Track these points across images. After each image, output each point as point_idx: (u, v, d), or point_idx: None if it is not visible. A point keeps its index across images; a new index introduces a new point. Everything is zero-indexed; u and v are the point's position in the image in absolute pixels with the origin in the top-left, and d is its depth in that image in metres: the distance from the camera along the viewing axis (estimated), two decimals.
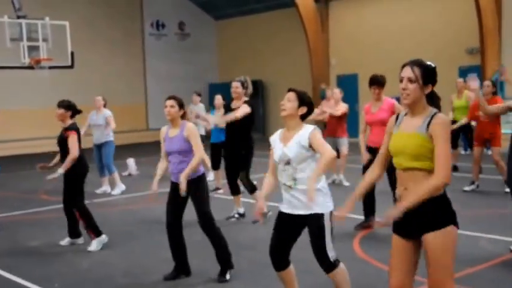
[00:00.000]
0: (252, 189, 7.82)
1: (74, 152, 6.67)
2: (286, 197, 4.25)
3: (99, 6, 22.02)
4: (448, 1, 17.85)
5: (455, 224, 3.37)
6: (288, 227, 4.28)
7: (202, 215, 5.43)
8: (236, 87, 7.67)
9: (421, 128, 3.35)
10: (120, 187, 10.73)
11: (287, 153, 4.15)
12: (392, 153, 3.50)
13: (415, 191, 3.30)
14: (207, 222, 5.44)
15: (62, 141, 6.79)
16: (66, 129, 6.79)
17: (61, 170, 6.64)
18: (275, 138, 4.34)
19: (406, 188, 3.41)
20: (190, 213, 5.67)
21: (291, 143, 4.16)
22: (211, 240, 5.50)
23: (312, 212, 4.13)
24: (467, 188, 9.55)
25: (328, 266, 4.18)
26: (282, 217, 4.30)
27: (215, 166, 9.93)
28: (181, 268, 5.60)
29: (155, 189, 5.60)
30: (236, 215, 8.09)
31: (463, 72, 16.87)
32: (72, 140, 6.70)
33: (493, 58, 16.49)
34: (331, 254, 4.17)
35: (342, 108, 10.64)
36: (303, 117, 4.26)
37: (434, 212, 3.33)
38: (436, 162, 3.28)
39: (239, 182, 7.95)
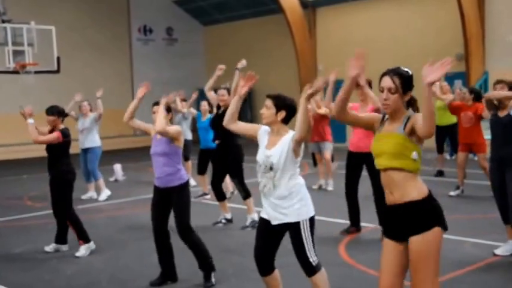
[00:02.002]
0: (246, 195, 7.80)
1: (40, 138, 6.73)
2: (265, 204, 4.28)
3: (85, 11, 21.92)
4: (433, 9, 18.00)
5: (442, 225, 3.38)
6: (269, 233, 4.30)
7: (180, 224, 5.38)
8: (222, 94, 7.70)
9: (399, 129, 3.40)
10: (106, 193, 10.67)
11: (270, 157, 4.18)
12: (374, 155, 3.54)
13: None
14: (185, 232, 5.40)
15: (50, 147, 6.75)
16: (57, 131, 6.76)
17: (31, 121, 6.75)
18: (264, 132, 4.35)
19: (391, 192, 3.44)
20: None
21: (276, 148, 4.19)
22: (191, 249, 5.47)
23: (289, 220, 4.17)
24: (452, 193, 9.61)
25: (310, 270, 4.21)
26: (263, 223, 4.32)
27: (201, 171, 9.92)
28: (168, 273, 5.58)
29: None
30: (223, 221, 8.08)
31: (449, 78, 17.02)
32: (51, 136, 6.70)
33: (477, 64, 16.69)
34: (313, 259, 4.20)
35: (324, 110, 10.67)
36: (286, 121, 4.28)
37: (418, 215, 3.36)
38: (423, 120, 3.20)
39: (228, 188, 7.94)
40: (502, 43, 16.36)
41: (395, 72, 3.41)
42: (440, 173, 11.61)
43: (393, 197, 3.43)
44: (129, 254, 6.80)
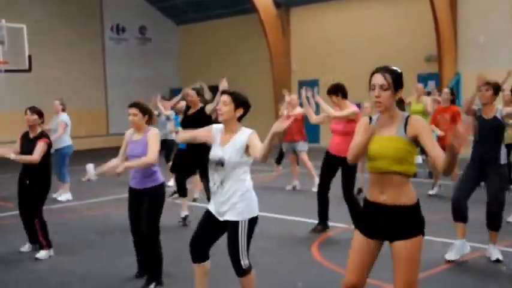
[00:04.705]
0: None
1: (36, 157, 6.47)
2: (212, 200, 4.34)
3: (57, 10, 21.67)
4: (406, 10, 18.21)
5: (423, 232, 3.45)
6: (212, 226, 4.34)
7: (148, 225, 5.35)
8: (191, 96, 7.80)
9: (400, 132, 3.39)
10: (67, 196, 10.52)
11: (223, 155, 4.19)
12: (370, 157, 3.47)
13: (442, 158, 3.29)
14: (152, 235, 5.36)
15: (31, 151, 6.56)
16: (39, 137, 6.60)
17: (13, 155, 6.43)
18: (216, 131, 4.35)
19: (382, 192, 3.42)
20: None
21: (228, 146, 4.20)
22: (150, 252, 5.42)
23: (230, 218, 4.21)
24: (431, 192, 9.74)
25: (239, 271, 4.25)
26: (208, 215, 4.37)
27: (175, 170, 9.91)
28: (146, 271, 5.57)
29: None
30: (180, 219, 8.14)
31: (422, 79, 17.22)
32: (40, 147, 6.52)
33: (449, 66, 16.94)
34: (244, 262, 4.22)
35: (299, 111, 10.69)
36: (241, 118, 4.29)
37: (407, 221, 3.40)
38: (436, 152, 3.32)
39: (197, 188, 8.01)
40: (473, 45, 16.62)
41: (386, 70, 3.40)
42: (430, 174, 11.48)
43: (383, 197, 3.42)
44: (101, 254, 6.74)
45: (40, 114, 6.70)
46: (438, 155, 3.30)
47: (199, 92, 7.78)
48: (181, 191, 8.14)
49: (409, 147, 3.38)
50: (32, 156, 6.46)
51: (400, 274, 3.39)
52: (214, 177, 4.27)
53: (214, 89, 8.01)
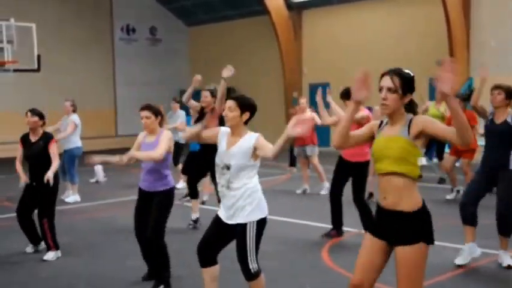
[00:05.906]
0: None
1: (56, 164, 6.47)
2: (222, 202, 4.30)
3: (67, 10, 21.71)
4: (419, 13, 18.08)
5: (428, 240, 3.35)
6: (220, 231, 4.30)
7: (154, 227, 5.29)
8: (205, 96, 7.78)
9: (403, 132, 3.33)
10: (76, 198, 10.45)
11: (229, 158, 4.16)
12: (375, 158, 3.46)
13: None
14: (156, 236, 5.30)
15: (39, 153, 6.51)
16: (47, 140, 6.55)
17: (50, 173, 6.36)
18: (223, 134, 4.31)
19: (385, 197, 3.39)
20: (168, 221, 5.52)
21: (234, 149, 4.17)
22: (157, 255, 5.38)
23: (237, 222, 4.17)
24: (449, 197, 9.70)
25: (248, 275, 4.19)
26: (217, 220, 4.33)
27: (187, 172, 9.87)
28: (155, 274, 5.49)
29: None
30: (191, 222, 8.10)
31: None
32: (55, 148, 6.53)
33: (461, 70, 16.76)
34: (253, 266, 4.15)
35: (309, 115, 10.59)
36: (247, 121, 4.26)
37: (406, 228, 3.32)
38: (449, 131, 3.16)
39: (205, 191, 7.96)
40: (486, 49, 16.46)
41: (395, 72, 3.36)
42: (441, 180, 11.41)
43: (386, 201, 3.39)
44: (106, 257, 6.68)
45: (41, 116, 6.64)
46: (452, 132, 3.13)
47: (213, 93, 7.73)
48: (193, 192, 8.10)
49: (410, 147, 3.30)
50: (55, 163, 6.46)
51: (399, 280, 3.34)
52: (221, 180, 4.25)
53: (226, 91, 7.94)
